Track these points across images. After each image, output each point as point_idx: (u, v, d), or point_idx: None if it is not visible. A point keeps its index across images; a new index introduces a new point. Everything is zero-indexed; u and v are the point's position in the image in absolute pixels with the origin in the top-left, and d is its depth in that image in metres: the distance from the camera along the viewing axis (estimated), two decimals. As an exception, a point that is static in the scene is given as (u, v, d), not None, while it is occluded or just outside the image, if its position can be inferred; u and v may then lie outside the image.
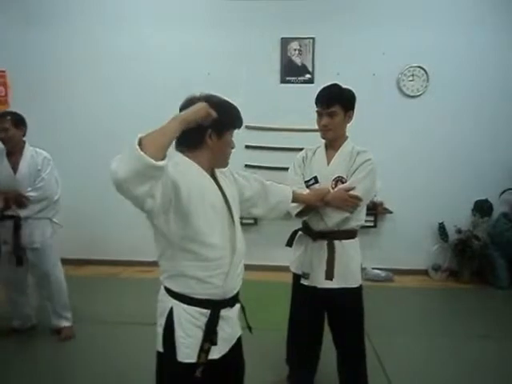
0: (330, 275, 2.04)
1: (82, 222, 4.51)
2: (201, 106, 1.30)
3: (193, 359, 1.37)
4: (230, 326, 1.48)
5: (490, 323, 3.45)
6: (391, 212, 4.55)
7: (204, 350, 1.37)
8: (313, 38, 4.46)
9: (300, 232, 2.24)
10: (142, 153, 1.05)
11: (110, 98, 4.64)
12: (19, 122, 2.92)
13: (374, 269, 4.47)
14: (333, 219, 2.02)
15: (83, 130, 4.67)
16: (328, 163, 2.10)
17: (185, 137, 1.32)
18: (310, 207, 2.05)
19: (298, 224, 2.26)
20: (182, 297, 1.39)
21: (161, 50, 4.55)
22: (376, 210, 4.46)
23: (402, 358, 2.88)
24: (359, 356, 2.19)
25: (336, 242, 2.07)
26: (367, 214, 2.22)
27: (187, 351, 1.37)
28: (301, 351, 2.33)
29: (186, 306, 1.39)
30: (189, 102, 1.38)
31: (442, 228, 4.54)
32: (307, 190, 2.09)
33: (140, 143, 1.07)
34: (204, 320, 1.39)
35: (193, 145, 1.42)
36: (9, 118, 2.87)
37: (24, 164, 2.90)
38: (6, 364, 2.74)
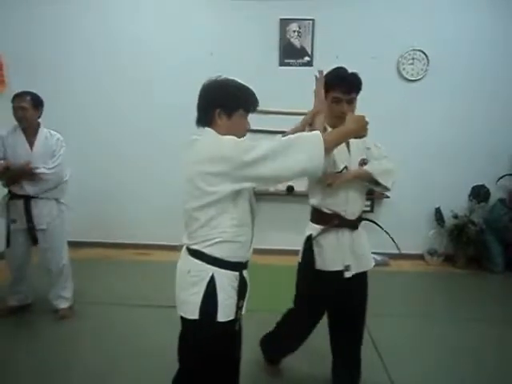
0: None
1: (81, 204, 4.50)
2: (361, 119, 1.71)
3: (231, 317, 1.54)
4: (248, 286, 1.66)
5: (485, 307, 3.50)
6: (388, 197, 4.54)
7: (240, 307, 1.58)
8: (312, 20, 4.38)
9: (317, 231, 2.06)
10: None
11: (112, 78, 4.58)
12: (37, 102, 2.93)
13: (370, 253, 4.49)
14: (357, 207, 2.12)
15: (83, 111, 4.62)
16: (348, 150, 2.06)
17: (200, 115, 1.55)
18: None
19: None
20: (221, 262, 1.51)
21: (163, 31, 4.49)
22: (373, 195, 4.47)
23: (396, 341, 2.92)
24: (358, 337, 2.19)
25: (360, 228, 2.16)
26: (364, 199, 2.24)
27: (227, 311, 1.53)
28: (297, 339, 2.28)
29: (224, 270, 1.52)
30: (213, 87, 1.55)
31: (438, 213, 4.56)
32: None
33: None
34: (236, 281, 1.56)
35: (206, 122, 1.54)
36: (28, 98, 2.87)
37: (39, 144, 2.93)
38: (4, 342, 2.77)
